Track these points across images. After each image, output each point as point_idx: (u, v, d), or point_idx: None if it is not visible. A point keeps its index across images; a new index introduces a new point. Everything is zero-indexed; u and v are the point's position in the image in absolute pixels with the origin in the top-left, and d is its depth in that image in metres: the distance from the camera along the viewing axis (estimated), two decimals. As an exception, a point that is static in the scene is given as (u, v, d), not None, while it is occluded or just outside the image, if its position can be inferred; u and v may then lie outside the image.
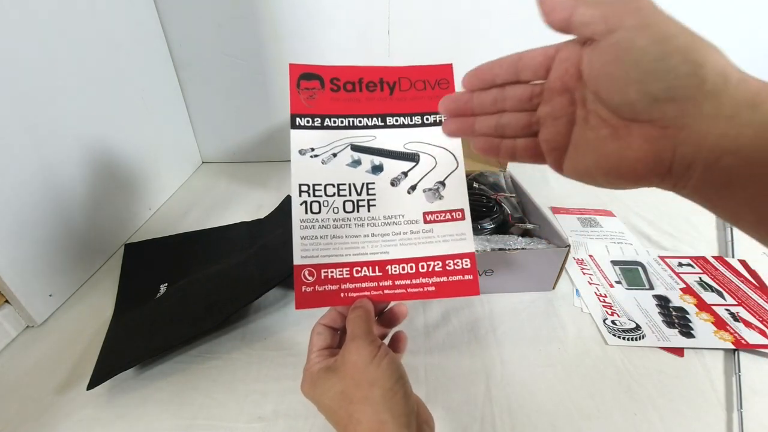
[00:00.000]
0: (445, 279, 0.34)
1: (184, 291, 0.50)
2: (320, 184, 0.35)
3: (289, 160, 0.35)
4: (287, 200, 0.67)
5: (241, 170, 0.88)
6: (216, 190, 0.81)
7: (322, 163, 0.36)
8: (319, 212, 0.35)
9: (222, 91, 0.83)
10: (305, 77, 0.37)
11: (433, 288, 0.34)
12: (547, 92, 0.24)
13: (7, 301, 0.46)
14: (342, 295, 0.33)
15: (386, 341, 0.34)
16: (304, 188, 0.35)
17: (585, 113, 0.22)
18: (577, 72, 0.22)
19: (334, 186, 0.35)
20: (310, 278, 0.34)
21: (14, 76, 0.46)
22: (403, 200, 0.35)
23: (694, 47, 0.18)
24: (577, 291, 0.52)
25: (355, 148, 0.36)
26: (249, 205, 0.73)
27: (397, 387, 0.27)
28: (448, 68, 0.38)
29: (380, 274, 0.34)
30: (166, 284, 0.54)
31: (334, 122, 0.37)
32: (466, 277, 0.34)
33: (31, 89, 0.48)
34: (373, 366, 0.28)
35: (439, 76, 0.38)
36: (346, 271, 0.34)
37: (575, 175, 0.24)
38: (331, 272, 0.34)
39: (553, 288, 0.52)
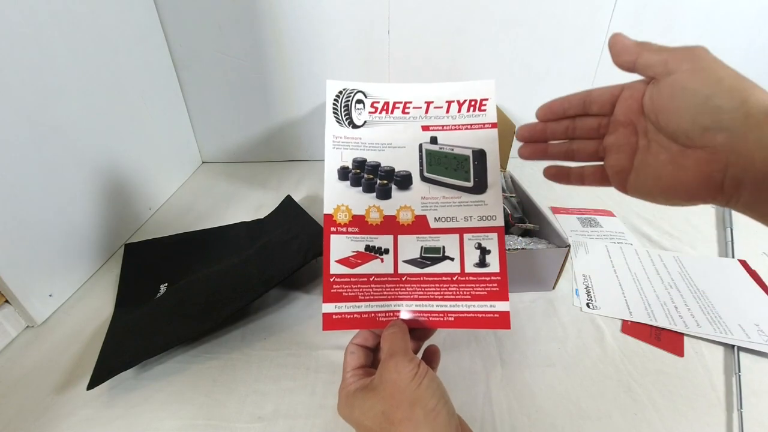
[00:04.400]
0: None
1: (184, 291, 0.50)
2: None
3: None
4: (287, 200, 0.67)
5: (241, 170, 0.88)
6: (216, 190, 0.81)
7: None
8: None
9: (222, 91, 0.83)
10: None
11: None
12: (613, 124, 0.28)
13: (7, 301, 0.46)
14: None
15: (419, 355, 0.34)
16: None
17: (647, 142, 0.26)
18: (639, 107, 0.26)
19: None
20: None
21: (14, 77, 0.46)
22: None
23: (739, 87, 0.22)
24: (576, 291, 0.52)
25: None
26: (249, 205, 0.74)
27: (440, 407, 0.27)
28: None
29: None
30: (166, 284, 0.54)
31: None
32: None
33: (31, 89, 0.48)
34: (413, 384, 0.27)
35: None
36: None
37: (638, 194, 0.28)
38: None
39: (553, 288, 0.52)
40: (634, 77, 0.27)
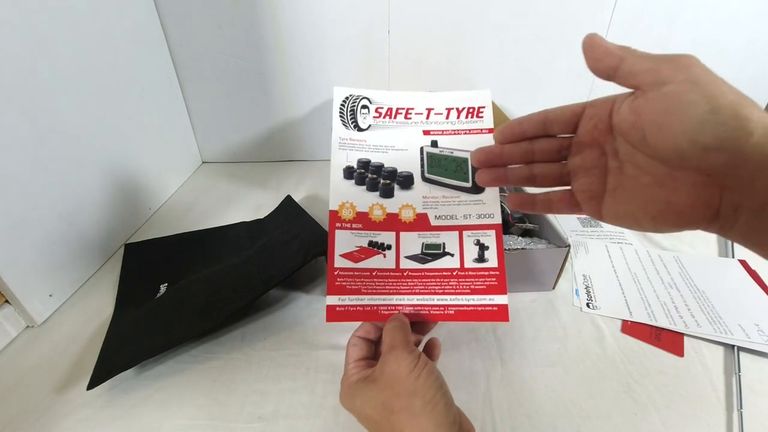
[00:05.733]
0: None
1: (184, 291, 0.50)
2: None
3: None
4: (287, 200, 0.67)
5: (241, 170, 0.88)
6: (216, 190, 0.81)
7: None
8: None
9: (222, 91, 0.83)
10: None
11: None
12: (576, 145, 0.26)
13: (7, 301, 0.46)
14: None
15: (420, 347, 0.35)
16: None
17: (618, 164, 0.24)
18: (606, 127, 0.24)
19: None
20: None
21: (14, 76, 0.46)
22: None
23: (741, 103, 0.19)
24: (576, 291, 0.52)
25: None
26: (249, 205, 0.73)
27: (438, 397, 0.28)
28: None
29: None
30: (166, 284, 0.54)
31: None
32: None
33: (30, 89, 0.48)
34: (412, 376, 0.28)
35: None
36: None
37: (617, 220, 0.25)
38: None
39: (553, 288, 0.52)
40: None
